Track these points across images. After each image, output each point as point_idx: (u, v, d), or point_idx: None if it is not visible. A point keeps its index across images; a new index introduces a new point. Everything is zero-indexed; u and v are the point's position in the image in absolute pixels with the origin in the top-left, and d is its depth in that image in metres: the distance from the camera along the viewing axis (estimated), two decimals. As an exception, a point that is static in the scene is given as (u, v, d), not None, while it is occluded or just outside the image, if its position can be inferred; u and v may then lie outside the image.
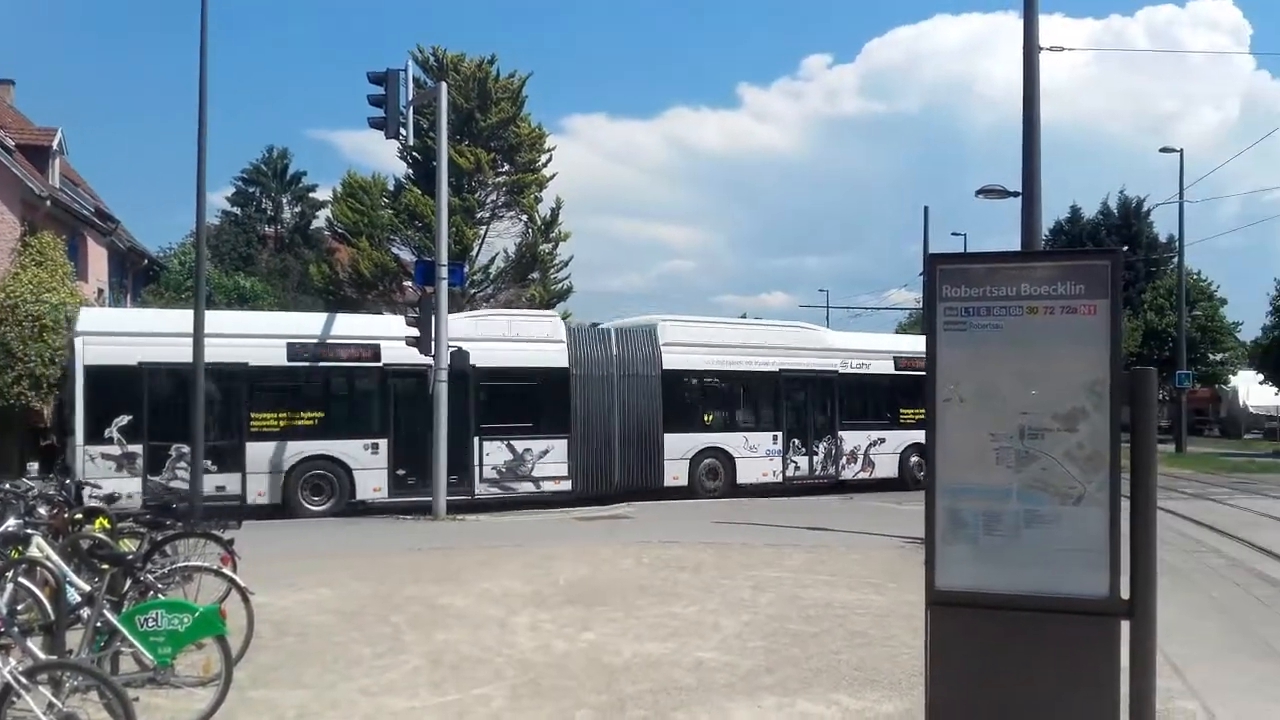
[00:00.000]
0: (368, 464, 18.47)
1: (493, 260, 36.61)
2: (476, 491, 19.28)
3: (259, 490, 17.64)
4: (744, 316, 71.42)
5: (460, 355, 17.56)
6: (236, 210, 49.85)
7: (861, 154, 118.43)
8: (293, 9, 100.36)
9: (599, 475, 20.62)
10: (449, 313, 18.22)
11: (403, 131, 17.70)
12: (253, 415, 17.89)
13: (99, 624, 5.70)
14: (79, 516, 8.68)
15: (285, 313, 21.46)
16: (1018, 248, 14.87)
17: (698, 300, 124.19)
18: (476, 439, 19.29)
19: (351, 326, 19.70)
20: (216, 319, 17.85)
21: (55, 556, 6.51)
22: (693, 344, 21.78)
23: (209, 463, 16.80)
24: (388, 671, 7.22)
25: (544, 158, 36.90)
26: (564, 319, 38.11)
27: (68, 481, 9.46)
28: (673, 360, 21.27)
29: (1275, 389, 45.50)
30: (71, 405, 16.80)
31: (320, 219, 46.01)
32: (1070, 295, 4.13)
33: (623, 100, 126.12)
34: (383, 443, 18.60)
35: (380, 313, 36.18)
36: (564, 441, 20.07)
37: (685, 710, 6.44)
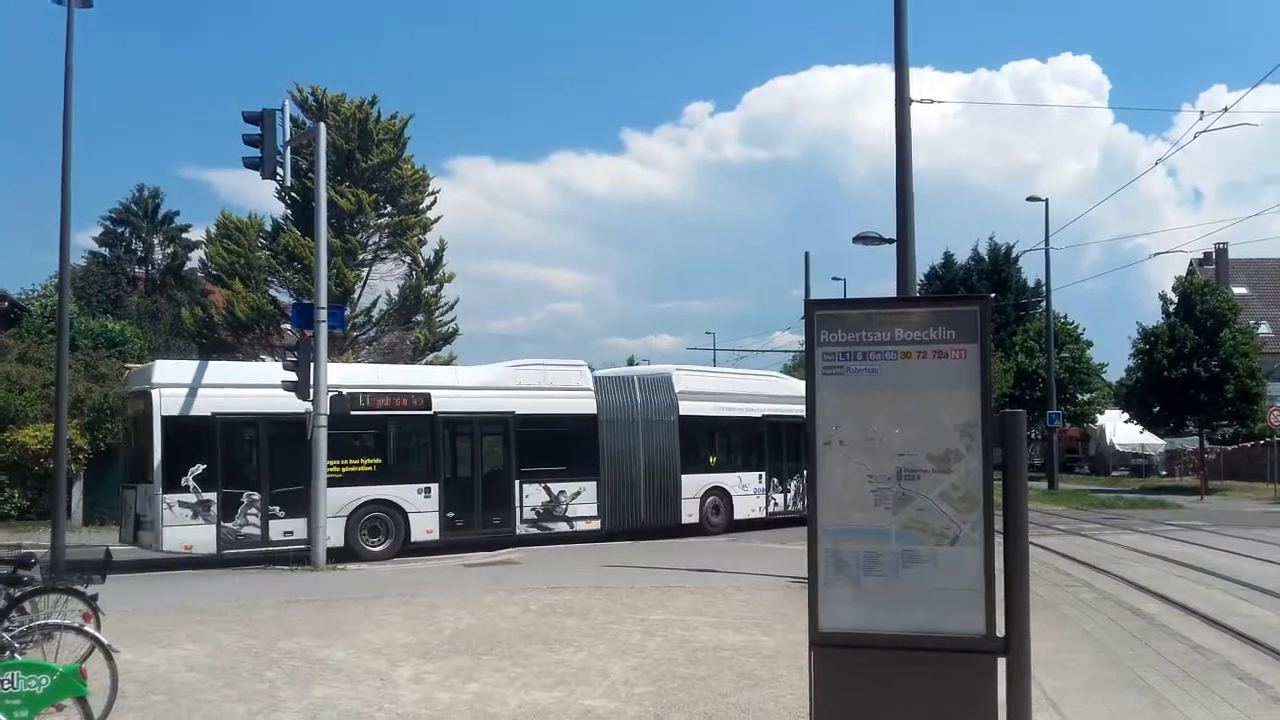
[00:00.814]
0: (421, 507, 19.37)
1: (375, 303, 36.07)
2: (517, 531, 20.38)
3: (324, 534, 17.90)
4: (631, 360, 71.88)
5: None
6: (104, 251, 48.00)
7: (744, 199, 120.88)
8: (166, 42, 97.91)
9: (625, 514, 21.94)
10: (328, 356, 17.86)
11: (279, 172, 17.34)
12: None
13: (-52, 688, 5.35)
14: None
15: (344, 364, 22.77)
16: (894, 293, 15.30)
17: (584, 343, 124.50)
18: (517, 481, 20.48)
19: (404, 377, 21.38)
20: (271, 370, 19.13)
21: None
22: (700, 392, 23.57)
23: (276, 509, 17.82)
24: (262, 731, 6.95)
25: (427, 199, 36.62)
26: (450, 362, 37.92)
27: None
28: (686, 407, 22.89)
29: (1139, 428, 47.58)
30: (146, 455, 17.15)
31: (194, 260, 44.69)
32: (942, 340, 4.26)
33: (508, 144, 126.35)
34: (434, 487, 19.55)
35: (258, 357, 35.41)
36: (593, 483, 21.37)
37: (572, 760, 6.35)
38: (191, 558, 17.40)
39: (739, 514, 23.67)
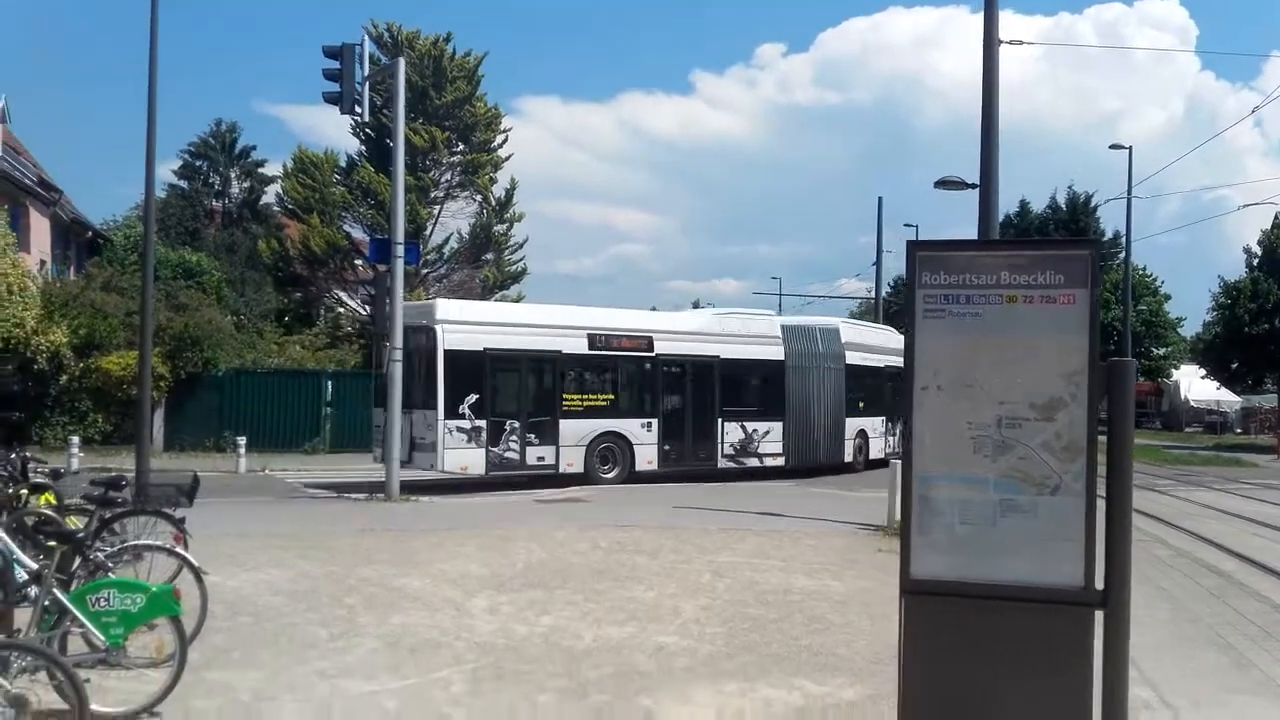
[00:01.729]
0: (644, 440, 21.48)
1: (446, 241, 36.31)
2: (719, 464, 22.56)
3: (568, 461, 20.34)
4: (696, 302, 71.66)
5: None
6: (183, 184, 48.70)
7: (814, 143, 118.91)
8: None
9: (805, 452, 24.13)
10: (404, 291, 18.01)
11: (358, 108, 17.35)
12: (564, 397, 20.69)
13: (47, 603, 5.52)
14: (24, 492, 8.42)
15: (583, 307, 24.39)
16: (973, 238, 14.96)
17: (649, 285, 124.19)
18: (720, 420, 22.60)
19: (631, 320, 23.02)
20: (532, 311, 22.62)
21: (1, 534, 6.30)
22: (856, 343, 26.02)
23: (531, 436, 19.98)
24: (344, 654, 7.09)
25: (499, 138, 36.62)
26: (519, 299, 38.13)
27: (12, 456, 9.15)
28: (851, 357, 25.41)
29: (1216, 384, 46.47)
30: (429, 383, 18.95)
31: (269, 195, 45.25)
32: (1049, 284, 4.11)
33: (577, 83, 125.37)
34: (654, 422, 21.73)
35: (331, 291, 35.92)
36: (779, 424, 23.47)
37: (648, 695, 6.40)
38: (423, 480, 19.22)
39: (873, 454, 25.90)
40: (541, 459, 20.08)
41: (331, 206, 34.00)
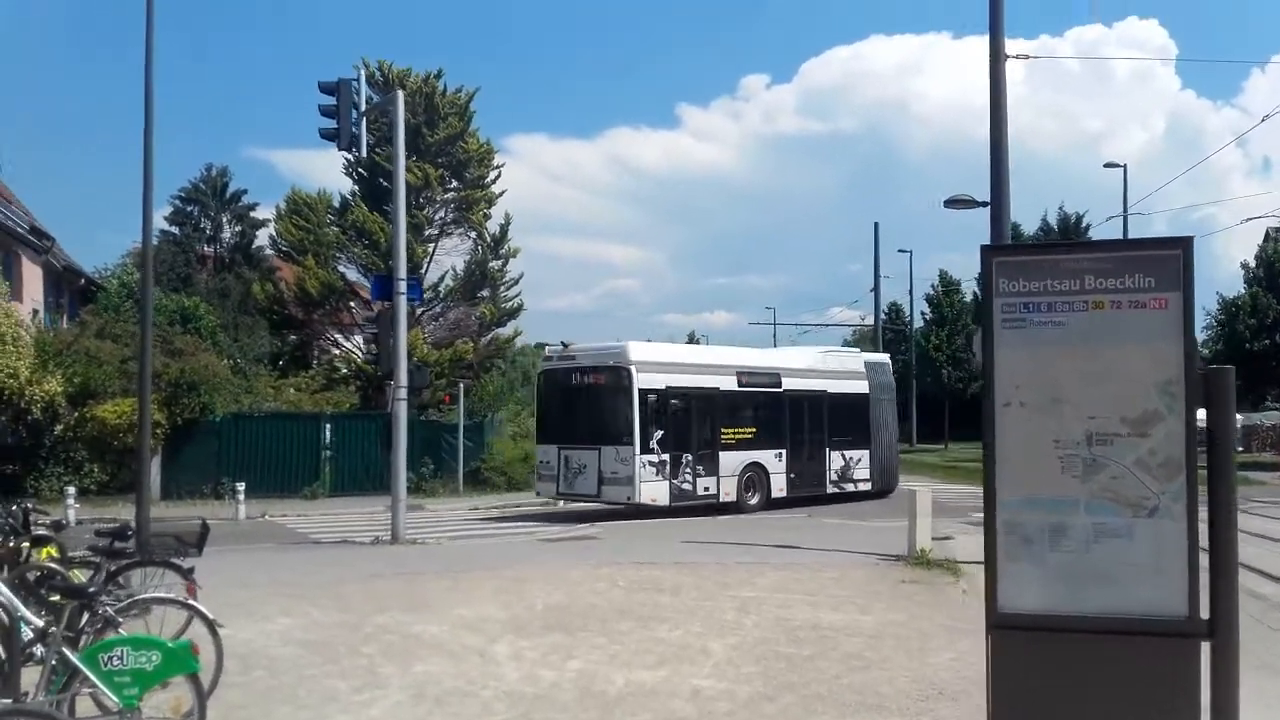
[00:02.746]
0: (776, 469, 23.05)
1: (442, 278, 35.96)
2: (827, 490, 24.25)
3: (726, 491, 21.89)
4: (691, 336, 71.50)
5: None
6: (174, 230, 48.48)
7: (801, 173, 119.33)
8: (230, 25, 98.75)
9: (883, 478, 25.71)
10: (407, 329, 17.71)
11: (357, 141, 17.12)
12: (722, 431, 22.24)
13: (55, 662, 5.15)
14: (25, 545, 8.03)
15: (728, 347, 27.52)
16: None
17: (641, 319, 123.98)
18: (827, 449, 24.44)
19: (763, 359, 25.35)
20: (694, 351, 28.12)
21: (5, 590, 5.92)
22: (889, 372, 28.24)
23: (700, 468, 21.55)
24: (369, 707, 6.71)
25: (492, 173, 36.41)
26: (514, 338, 37.79)
27: (14, 508, 8.76)
28: (892, 386, 27.99)
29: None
30: (621, 420, 20.65)
31: (261, 238, 44.98)
32: (1138, 288, 3.83)
33: (564, 120, 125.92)
34: (783, 452, 23.29)
35: (327, 333, 35.53)
36: (866, 451, 25.27)
37: (692, 743, 6.04)
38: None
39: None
40: (707, 489, 21.62)
41: (326, 247, 33.69)
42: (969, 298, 62.69)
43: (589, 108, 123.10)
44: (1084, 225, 59.61)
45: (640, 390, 20.37)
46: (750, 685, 7.35)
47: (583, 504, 22.34)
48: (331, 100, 16.89)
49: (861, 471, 25.11)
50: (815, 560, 13.82)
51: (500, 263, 36.22)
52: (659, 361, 21.58)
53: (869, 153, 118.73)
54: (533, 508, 23.96)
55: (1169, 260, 3.82)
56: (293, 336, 36.37)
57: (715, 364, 22.86)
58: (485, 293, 36.21)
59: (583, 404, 21.82)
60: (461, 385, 29.81)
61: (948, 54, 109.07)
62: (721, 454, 21.89)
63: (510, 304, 36.75)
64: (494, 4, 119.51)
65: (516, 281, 36.73)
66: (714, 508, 21.25)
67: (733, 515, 21.21)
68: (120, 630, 5.97)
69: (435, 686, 7.20)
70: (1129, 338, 3.83)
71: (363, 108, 17.20)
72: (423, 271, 34.50)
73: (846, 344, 64.61)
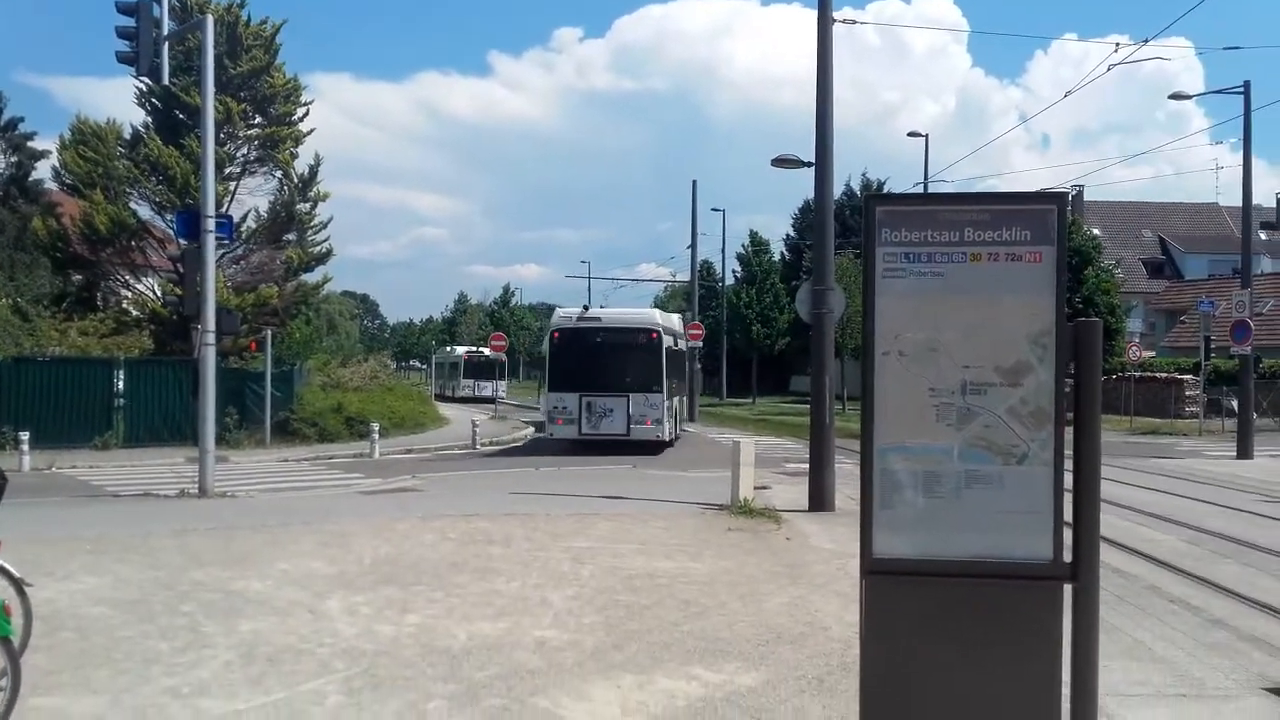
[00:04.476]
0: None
1: (245, 219, 34.06)
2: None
3: (669, 428, 26.49)
4: (506, 289, 70.60)
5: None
6: (-63, 156, 44.27)
7: (613, 129, 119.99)
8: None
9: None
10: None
11: (158, 67, 15.85)
12: (676, 380, 28.39)
13: None
14: None
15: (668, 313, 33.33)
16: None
17: (450, 269, 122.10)
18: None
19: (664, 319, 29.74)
20: (669, 318, 31.48)
21: None
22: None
23: (678, 410, 29.34)
24: (195, 668, 6.28)
25: (300, 111, 34.63)
26: (324, 284, 36.44)
27: None
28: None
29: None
30: (651, 372, 25.29)
31: (41, 170, 41.43)
32: (1015, 241, 3.89)
33: (369, 60, 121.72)
34: (681, 396, 31.12)
35: (118, 273, 33.17)
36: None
37: (543, 695, 5.95)
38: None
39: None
40: (675, 425, 27.27)
41: (116, 182, 31.29)
42: (777, 257, 64.61)
43: (396, 49, 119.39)
44: (886, 192, 62.38)
45: (667, 349, 25.68)
46: (594, 635, 7.31)
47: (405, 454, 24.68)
48: (130, 21, 15.58)
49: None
50: (643, 510, 13.93)
51: (308, 205, 34.62)
52: (664, 327, 26.81)
53: (680, 113, 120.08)
54: (346, 459, 23.30)
55: (1045, 215, 3.90)
56: (78, 277, 33.78)
57: (680, 331, 28.52)
58: (291, 236, 34.57)
59: (612, 359, 25.61)
60: (268, 332, 28.51)
61: (755, 20, 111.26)
62: (678, 399, 28.20)
63: (319, 249, 35.28)
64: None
65: (325, 225, 35.26)
66: (660, 441, 25.45)
67: (559, 465, 21.26)
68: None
69: (266, 645, 6.83)
70: (1004, 290, 3.89)
71: (166, 29, 15.96)
72: (223, 210, 32.63)
73: (658, 300, 65.55)
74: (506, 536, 11.42)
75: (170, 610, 7.78)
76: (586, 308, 27.58)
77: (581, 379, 25.20)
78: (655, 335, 25.52)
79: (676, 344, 29.11)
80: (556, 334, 26.25)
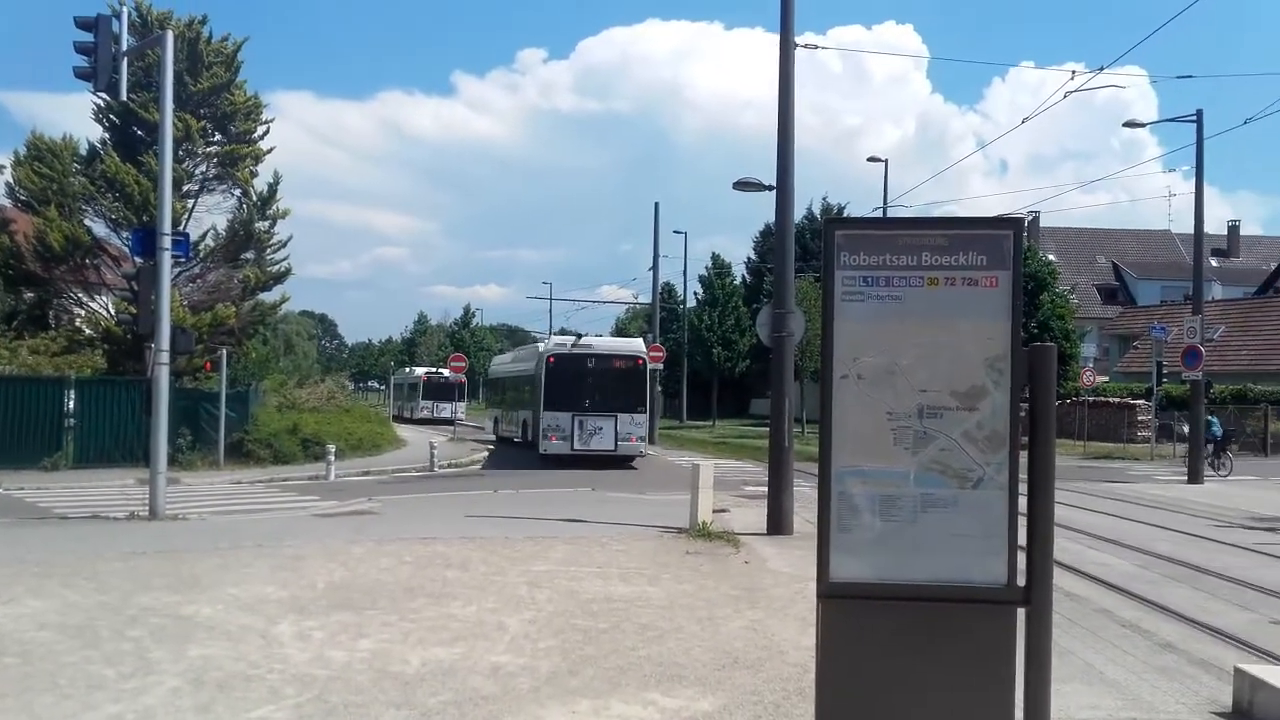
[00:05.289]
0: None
1: (203, 237, 33.68)
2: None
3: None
4: (467, 309, 70.23)
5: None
6: (-114, 170, 43.33)
7: (576, 150, 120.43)
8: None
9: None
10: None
11: (116, 83, 15.69)
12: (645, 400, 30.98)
13: None
14: None
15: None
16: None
17: (411, 289, 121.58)
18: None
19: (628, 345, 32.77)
20: (638, 343, 32.92)
21: None
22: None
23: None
24: (142, 695, 6.13)
25: (261, 129, 34.41)
26: (282, 303, 36.05)
27: None
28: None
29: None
30: (634, 395, 29.05)
31: (-9, 185, 40.65)
32: (972, 265, 3.93)
33: (331, 79, 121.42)
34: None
35: (71, 291, 32.65)
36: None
37: (498, 721, 5.87)
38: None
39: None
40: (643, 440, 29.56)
41: (71, 198, 30.83)
42: (738, 280, 64.92)
43: (359, 68, 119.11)
44: (846, 216, 62.86)
45: (650, 371, 28.48)
46: (550, 660, 7.25)
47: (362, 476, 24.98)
48: (89, 37, 15.42)
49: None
50: (601, 534, 13.86)
51: (267, 224, 34.29)
52: (643, 352, 29.90)
53: (644, 135, 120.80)
54: (301, 481, 23.03)
55: (1001, 240, 3.93)
56: (30, 294, 33.21)
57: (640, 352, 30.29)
58: (250, 255, 34.19)
59: (601, 383, 28.46)
60: (223, 352, 28.18)
61: (719, 44, 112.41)
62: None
63: (277, 268, 34.93)
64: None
65: (285, 244, 34.94)
66: (629, 457, 28.46)
67: (517, 489, 21.11)
68: None
69: (215, 671, 6.69)
70: (961, 314, 3.92)
71: (124, 47, 15.80)
72: (181, 228, 32.23)
73: (620, 322, 65.41)
74: (463, 560, 11.31)
75: (117, 635, 7.61)
76: (580, 336, 31.28)
77: (575, 400, 28.01)
78: (640, 362, 28.94)
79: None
80: (552, 359, 28.77)
